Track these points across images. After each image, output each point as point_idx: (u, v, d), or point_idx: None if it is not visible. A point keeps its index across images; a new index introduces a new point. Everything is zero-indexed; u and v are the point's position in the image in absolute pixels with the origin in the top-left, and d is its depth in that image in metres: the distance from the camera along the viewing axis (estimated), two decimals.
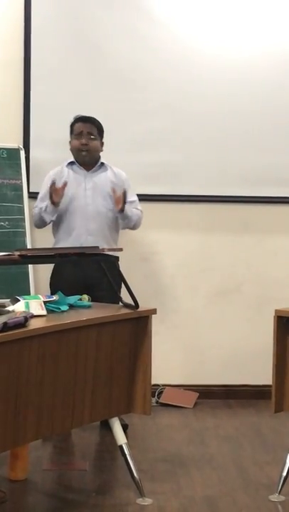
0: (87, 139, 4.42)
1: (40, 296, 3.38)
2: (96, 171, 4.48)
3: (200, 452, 4.11)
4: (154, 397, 4.94)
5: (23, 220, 4.71)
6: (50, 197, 4.27)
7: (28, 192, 4.80)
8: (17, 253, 3.25)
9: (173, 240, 5.14)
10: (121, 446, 3.44)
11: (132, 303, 3.45)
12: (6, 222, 4.67)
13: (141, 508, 3.36)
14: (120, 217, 4.40)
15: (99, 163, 4.49)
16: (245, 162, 5.07)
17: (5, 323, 2.87)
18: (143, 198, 4.69)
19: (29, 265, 4.57)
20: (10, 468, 3.65)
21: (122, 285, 3.56)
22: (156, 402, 4.95)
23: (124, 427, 3.87)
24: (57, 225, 4.47)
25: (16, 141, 4.88)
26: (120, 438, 3.45)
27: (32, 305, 3.21)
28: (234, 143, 5.06)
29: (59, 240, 4.45)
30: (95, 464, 3.94)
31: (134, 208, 4.48)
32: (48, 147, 4.92)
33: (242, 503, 3.43)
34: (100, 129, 4.46)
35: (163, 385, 5.04)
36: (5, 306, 3.22)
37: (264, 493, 3.52)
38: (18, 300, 3.23)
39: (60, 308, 3.35)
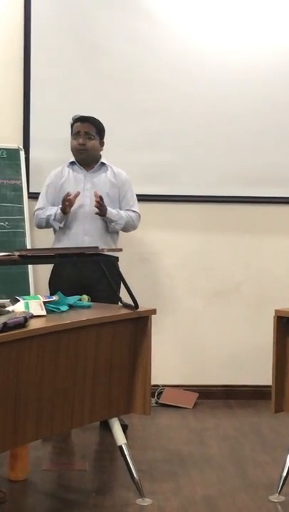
0: (85, 138, 4.42)
1: (39, 296, 3.37)
2: (96, 171, 4.48)
3: (200, 452, 4.11)
4: (153, 397, 4.94)
5: (23, 220, 4.71)
6: (64, 207, 4.27)
7: (28, 192, 4.81)
8: (17, 253, 3.25)
9: (172, 240, 5.14)
10: (121, 447, 3.44)
11: (132, 303, 3.45)
12: (6, 223, 4.67)
13: (140, 508, 3.36)
14: (107, 221, 4.40)
15: (99, 163, 4.49)
16: (245, 162, 5.07)
17: (5, 324, 2.87)
18: (142, 198, 4.70)
19: (29, 265, 4.57)
20: (10, 468, 3.65)
21: (122, 285, 3.56)
22: (156, 402, 4.95)
23: (124, 428, 3.87)
24: None
25: (15, 142, 4.88)
26: (120, 438, 3.45)
27: (32, 305, 3.21)
28: (234, 143, 5.07)
29: (56, 239, 4.47)
30: (94, 464, 3.94)
31: (130, 211, 4.47)
32: (47, 147, 4.92)
33: (242, 503, 3.43)
34: (99, 129, 4.46)
35: (163, 386, 5.04)
36: (5, 307, 3.22)
37: (264, 493, 3.52)
38: (18, 300, 3.22)
39: (59, 309, 3.35)
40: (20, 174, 4.79)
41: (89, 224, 4.39)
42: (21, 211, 4.73)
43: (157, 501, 3.42)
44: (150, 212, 4.86)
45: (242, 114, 5.05)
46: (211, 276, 5.17)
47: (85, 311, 3.45)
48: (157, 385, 4.96)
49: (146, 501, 3.40)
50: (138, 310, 3.45)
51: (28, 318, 3.01)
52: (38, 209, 4.49)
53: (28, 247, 4.65)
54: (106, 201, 4.37)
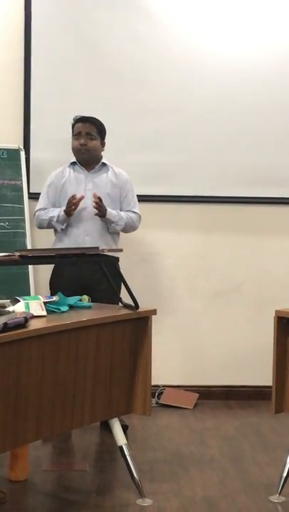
0: (85, 139, 4.42)
1: (40, 296, 3.37)
2: (97, 171, 4.48)
3: (200, 453, 4.11)
4: (154, 397, 4.94)
5: (23, 220, 4.71)
6: (69, 209, 4.27)
7: (29, 193, 4.80)
8: (17, 254, 3.25)
9: (173, 241, 5.14)
10: (121, 447, 3.44)
11: (132, 303, 3.45)
12: (6, 223, 4.67)
13: (141, 508, 3.36)
14: (106, 222, 4.39)
15: (100, 164, 4.49)
16: (245, 162, 5.07)
17: (5, 324, 2.87)
18: (143, 198, 4.70)
19: (29, 266, 4.57)
20: (10, 468, 3.65)
21: (122, 286, 3.56)
22: (156, 402, 4.95)
23: (124, 428, 3.87)
24: None
25: (16, 142, 4.88)
26: (120, 439, 3.45)
27: (32, 306, 3.21)
28: (234, 143, 5.07)
29: (57, 239, 4.47)
30: (95, 464, 3.94)
31: (131, 212, 4.47)
32: (48, 148, 4.92)
33: (242, 503, 3.43)
34: (100, 129, 4.46)
35: (163, 386, 5.04)
36: (5, 307, 3.22)
37: (264, 493, 3.52)
38: (18, 300, 3.23)
39: (60, 309, 3.35)
40: (21, 174, 4.79)
41: (90, 224, 4.39)
42: (22, 211, 4.72)
43: (157, 502, 3.42)
44: (150, 213, 4.86)
45: (242, 114, 5.05)
46: (211, 277, 5.17)
47: (86, 311, 3.45)
48: (157, 386, 4.96)
49: (147, 502, 3.40)
50: (138, 310, 3.45)
51: (28, 318, 3.01)
52: (39, 209, 4.49)
53: (29, 247, 4.64)
54: (107, 202, 4.37)
